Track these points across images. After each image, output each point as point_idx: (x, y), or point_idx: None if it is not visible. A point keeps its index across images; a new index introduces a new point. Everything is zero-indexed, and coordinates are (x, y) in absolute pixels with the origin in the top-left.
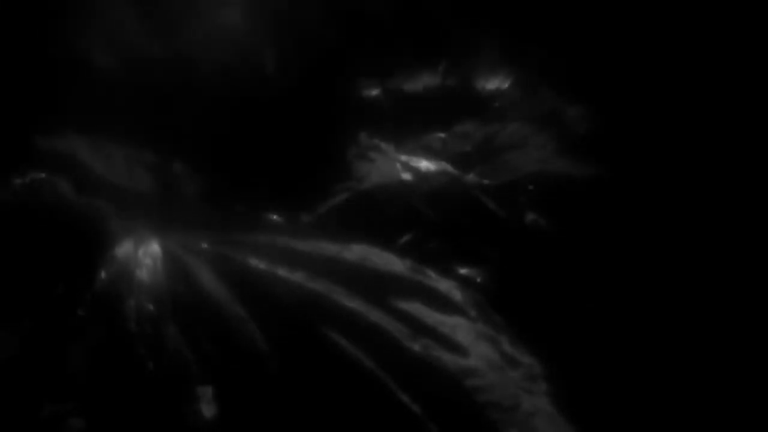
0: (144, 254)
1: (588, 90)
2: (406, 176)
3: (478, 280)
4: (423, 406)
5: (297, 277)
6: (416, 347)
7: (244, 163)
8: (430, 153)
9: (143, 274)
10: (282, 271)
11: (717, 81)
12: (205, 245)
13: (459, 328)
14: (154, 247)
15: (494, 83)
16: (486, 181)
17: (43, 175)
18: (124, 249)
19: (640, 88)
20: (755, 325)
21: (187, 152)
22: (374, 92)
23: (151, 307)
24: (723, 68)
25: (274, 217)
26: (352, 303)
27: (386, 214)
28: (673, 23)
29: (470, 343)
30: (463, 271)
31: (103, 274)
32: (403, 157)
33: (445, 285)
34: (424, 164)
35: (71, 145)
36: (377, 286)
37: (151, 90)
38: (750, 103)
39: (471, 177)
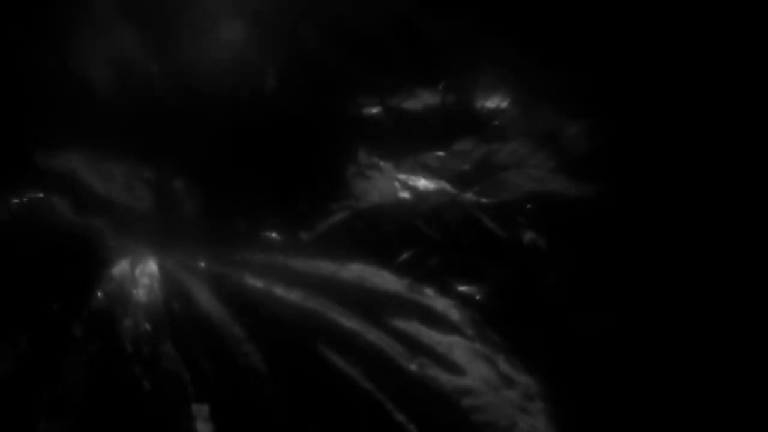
0: (141, 273)
1: (588, 108)
2: (405, 195)
3: (478, 297)
4: (419, 427)
5: (294, 296)
6: (413, 366)
7: (243, 181)
8: (428, 171)
9: (140, 293)
10: (279, 290)
11: (719, 100)
12: (202, 264)
13: (456, 347)
14: (152, 266)
15: (494, 102)
16: (484, 200)
17: (40, 194)
18: (120, 268)
19: (641, 107)
20: (760, 347)
21: (188, 170)
22: (374, 110)
23: (147, 326)
24: (724, 87)
25: (273, 235)
26: (349, 322)
27: (385, 233)
28: (675, 42)
29: (467, 362)
30: (462, 288)
31: (99, 294)
32: (402, 176)
33: (442, 304)
34: (423, 183)
35: (71, 163)
36: (374, 305)
37: (151, 107)
38: (753, 121)
39: (469, 195)
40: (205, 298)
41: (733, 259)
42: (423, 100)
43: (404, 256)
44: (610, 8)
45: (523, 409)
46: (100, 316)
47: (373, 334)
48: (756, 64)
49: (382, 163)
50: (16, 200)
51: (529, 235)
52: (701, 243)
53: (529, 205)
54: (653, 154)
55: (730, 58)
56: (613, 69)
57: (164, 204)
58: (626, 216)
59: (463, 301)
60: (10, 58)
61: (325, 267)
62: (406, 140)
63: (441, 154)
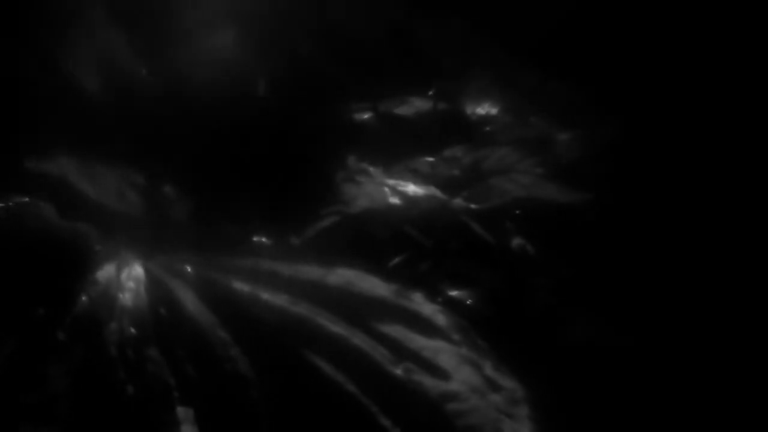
0: (127, 277)
1: (580, 116)
2: (394, 200)
3: (468, 302)
4: (404, 430)
5: (280, 300)
6: (398, 371)
7: (234, 186)
8: (418, 177)
9: (126, 297)
10: (265, 295)
11: (714, 110)
12: (189, 268)
13: (442, 352)
14: (138, 271)
15: (485, 108)
16: (473, 206)
17: (26, 198)
18: (106, 272)
19: (633, 115)
20: (754, 357)
21: (178, 174)
22: (366, 116)
23: (133, 330)
24: (720, 97)
25: (263, 240)
26: (335, 327)
27: (375, 238)
28: (670, 51)
29: (452, 367)
30: (452, 293)
31: (84, 298)
32: (391, 181)
33: (428, 309)
34: (412, 188)
35: (61, 168)
36: (361, 310)
37: (141, 112)
38: (747, 131)
39: (458, 201)
40: (191, 303)
41: (725, 268)
42: (415, 106)
43: (395, 260)
44: (604, 16)
45: (508, 413)
46: (85, 320)
47: (358, 339)
48: (750, 74)
49: (371, 169)
50: (1, 205)
51: (517, 241)
52: (692, 252)
53: (517, 211)
54: (644, 163)
55: (726, 67)
56: (606, 77)
57: (154, 208)
58: (616, 224)
59: (452, 306)
60: None
61: (312, 272)
62: (397, 146)
63: (431, 159)
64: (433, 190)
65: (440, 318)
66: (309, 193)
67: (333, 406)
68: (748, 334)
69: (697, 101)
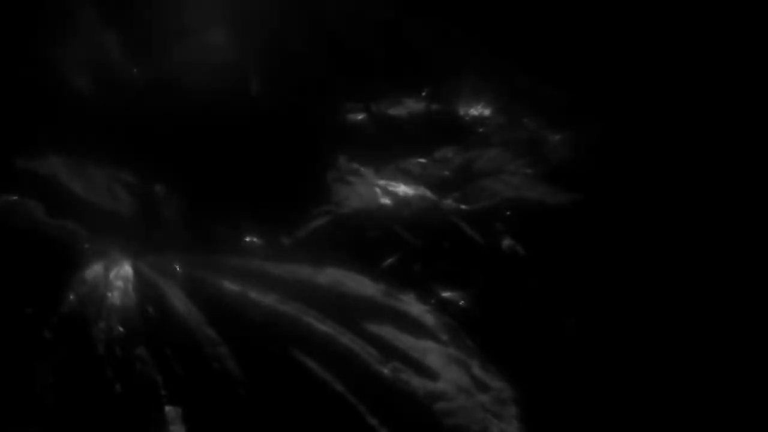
0: (116, 276)
1: (571, 118)
2: (385, 201)
3: (461, 303)
4: (391, 430)
5: (269, 299)
6: (386, 371)
7: (225, 186)
8: (409, 178)
9: (114, 296)
10: (254, 294)
11: (705, 115)
12: (178, 267)
13: (430, 352)
14: (126, 269)
15: (477, 109)
16: (463, 206)
17: (16, 197)
18: (94, 271)
19: (624, 117)
20: (743, 354)
21: (169, 174)
22: (359, 117)
23: (121, 329)
24: (711, 101)
25: (254, 240)
26: (324, 326)
27: (366, 238)
28: (661, 55)
29: (440, 367)
30: (444, 294)
31: (71, 296)
32: (382, 182)
33: (417, 309)
34: (403, 189)
35: (51, 167)
36: (349, 310)
37: (132, 112)
38: (737, 135)
39: (449, 202)
40: (180, 302)
41: (713, 267)
42: (408, 107)
43: (388, 261)
44: (597, 18)
45: (496, 413)
46: (72, 319)
47: (347, 338)
48: (737, 76)
49: (362, 169)
50: None
51: (507, 242)
52: (680, 252)
53: (507, 212)
54: (634, 164)
55: (713, 69)
56: (598, 79)
57: (144, 208)
58: (605, 225)
59: (442, 306)
60: None
61: (301, 271)
62: (389, 146)
63: (422, 160)
64: (424, 191)
65: (429, 318)
66: (300, 193)
67: (321, 405)
68: (738, 331)
69: (686, 103)
